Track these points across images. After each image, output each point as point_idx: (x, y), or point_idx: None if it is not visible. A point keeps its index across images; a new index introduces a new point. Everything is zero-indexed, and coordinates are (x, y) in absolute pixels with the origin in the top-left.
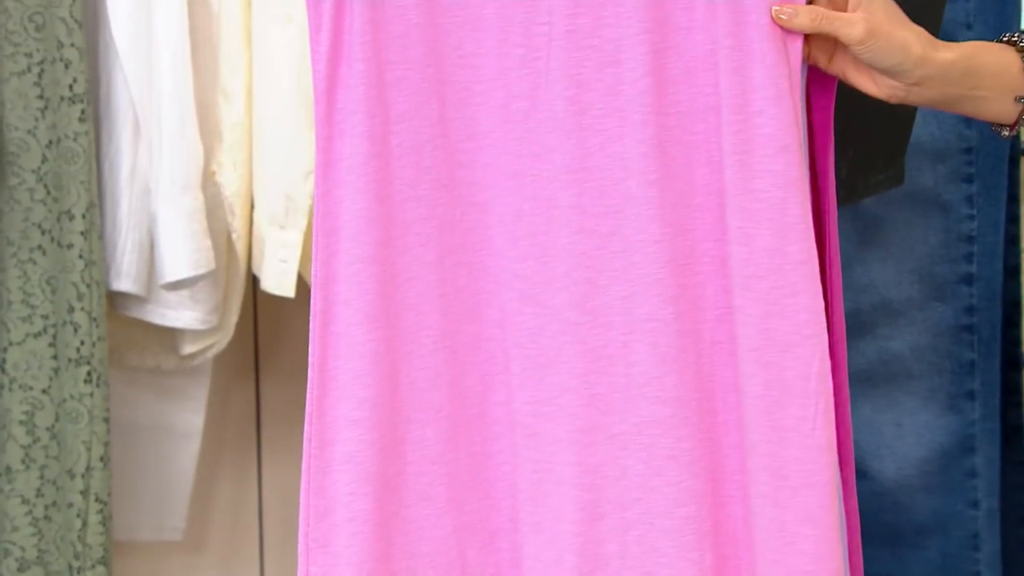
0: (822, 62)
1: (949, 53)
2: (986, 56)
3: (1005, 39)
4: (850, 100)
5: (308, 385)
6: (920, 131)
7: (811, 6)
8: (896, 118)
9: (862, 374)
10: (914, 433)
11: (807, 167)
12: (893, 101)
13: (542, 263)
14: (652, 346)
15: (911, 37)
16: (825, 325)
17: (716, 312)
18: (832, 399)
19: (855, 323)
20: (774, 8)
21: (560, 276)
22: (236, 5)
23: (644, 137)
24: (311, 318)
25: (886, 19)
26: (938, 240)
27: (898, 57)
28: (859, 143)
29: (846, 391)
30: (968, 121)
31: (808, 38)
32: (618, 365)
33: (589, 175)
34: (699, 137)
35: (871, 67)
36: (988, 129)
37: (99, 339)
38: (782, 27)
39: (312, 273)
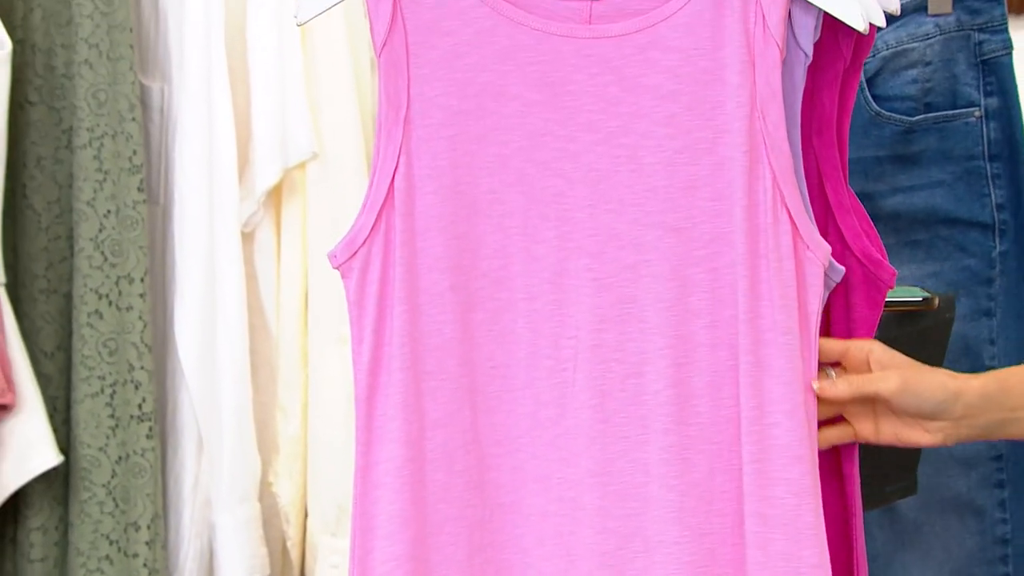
0: (870, 434)
1: (977, 380)
2: (1015, 376)
3: None
4: None
5: None
6: None
7: (846, 375)
8: None
9: None
10: None
11: (817, 477)
12: (950, 443)
13: (568, 562)
14: None
15: (940, 375)
16: None
17: None
18: None
19: None
20: (815, 384)
21: (584, 574)
22: (293, 328)
23: (665, 445)
24: None
25: (911, 367)
26: (974, 543)
27: (939, 395)
28: (873, 455)
29: None
30: None
31: (850, 419)
32: None
33: (612, 479)
34: (719, 446)
35: (917, 416)
36: None
37: None
38: (824, 398)
39: (348, 572)
